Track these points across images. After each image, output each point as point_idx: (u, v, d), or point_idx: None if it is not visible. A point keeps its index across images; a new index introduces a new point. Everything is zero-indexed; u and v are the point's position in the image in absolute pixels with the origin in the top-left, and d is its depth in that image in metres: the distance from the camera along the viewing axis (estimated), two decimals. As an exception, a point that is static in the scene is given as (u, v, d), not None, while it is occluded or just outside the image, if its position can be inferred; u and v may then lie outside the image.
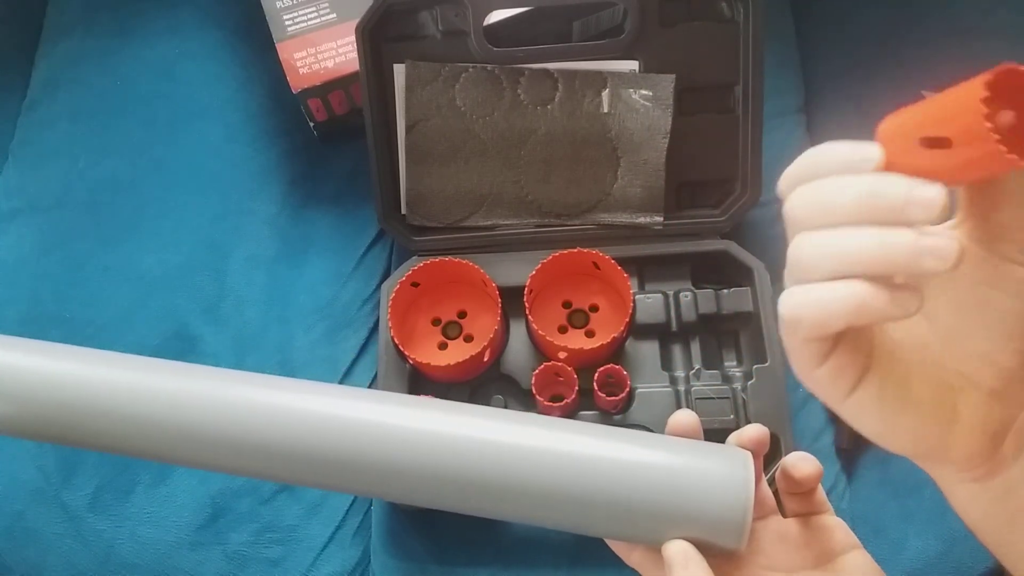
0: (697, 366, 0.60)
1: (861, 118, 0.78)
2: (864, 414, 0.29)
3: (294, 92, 0.65)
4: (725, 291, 0.60)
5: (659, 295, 0.61)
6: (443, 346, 0.61)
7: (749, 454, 0.37)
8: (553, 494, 0.37)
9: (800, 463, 0.37)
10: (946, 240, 0.25)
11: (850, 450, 0.61)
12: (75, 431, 0.41)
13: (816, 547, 0.38)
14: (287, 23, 0.66)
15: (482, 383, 0.61)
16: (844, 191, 0.26)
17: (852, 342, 0.29)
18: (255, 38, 0.72)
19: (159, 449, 0.41)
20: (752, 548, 0.37)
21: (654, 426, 0.57)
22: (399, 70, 0.61)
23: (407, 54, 0.61)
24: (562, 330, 0.61)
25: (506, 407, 0.60)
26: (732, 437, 0.38)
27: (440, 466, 0.37)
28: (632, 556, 0.38)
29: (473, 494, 0.38)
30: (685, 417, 0.38)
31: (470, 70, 0.61)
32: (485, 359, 0.59)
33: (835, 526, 0.38)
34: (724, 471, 0.36)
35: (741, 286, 0.60)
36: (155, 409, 0.40)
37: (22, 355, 0.42)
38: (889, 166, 0.26)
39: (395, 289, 0.59)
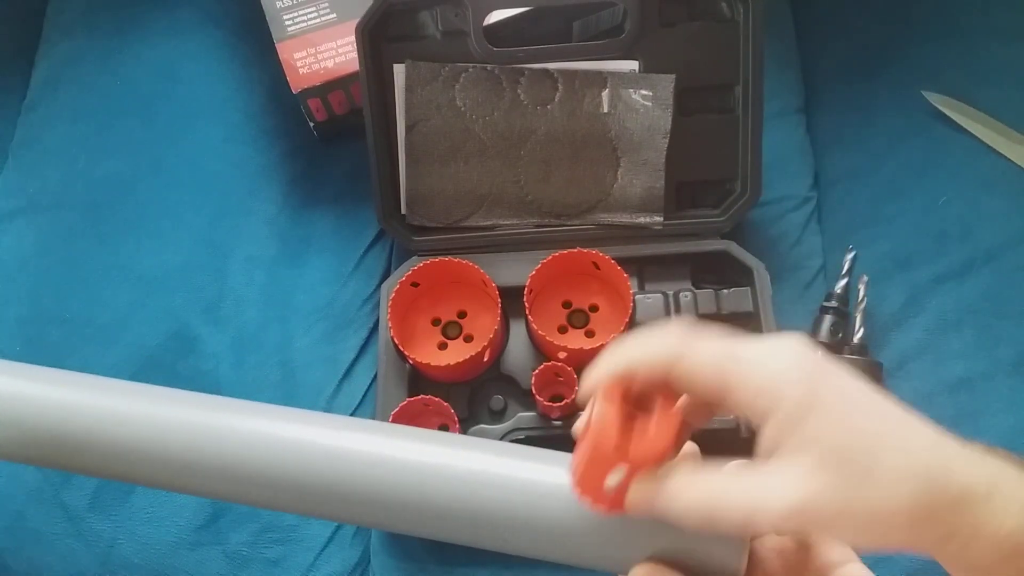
0: (697, 366, 0.60)
1: (861, 118, 0.78)
2: None
3: (294, 92, 0.65)
4: (725, 291, 0.60)
5: (659, 295, 0.61)
6: (443, 346, 0.61)
7: None
8: (546, 527, 0.37)
9: None
10: None
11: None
12: (57, 457, 0.41)
13: (815, 561, 0.38)
14: (287, 23, 0.66)
15: (482, 383, 0.61)
16: None
17: None
18: (255, 38, 0.72)
19: (136, 475, 0.41)
20: (751, 563, 0.37)
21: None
22: (399, 70, 0.61)
23: (407, 54, 0.61)
24: (562, 330, 0.61)
25: (506, 407, 0.60)
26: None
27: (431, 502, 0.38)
28: None
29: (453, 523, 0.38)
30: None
31: (470, 70, 0.61)
32: (485, 359, 0.59)
33: (832, 539, 0.38)
34: None
35: (741, 286, 0.60)
36: (136, 436, 0.40)
37: (7, 380, 0.42)
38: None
39: (395, 289, 0.59)
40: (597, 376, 0.34)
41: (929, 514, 0.29)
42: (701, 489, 0.31)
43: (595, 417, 0.32)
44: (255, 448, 0.39)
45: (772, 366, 0.31)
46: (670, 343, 0.33)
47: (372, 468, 0.38)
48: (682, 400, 0.34)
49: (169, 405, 0.41)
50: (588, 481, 0.34)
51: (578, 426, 0.35)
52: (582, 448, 0.34)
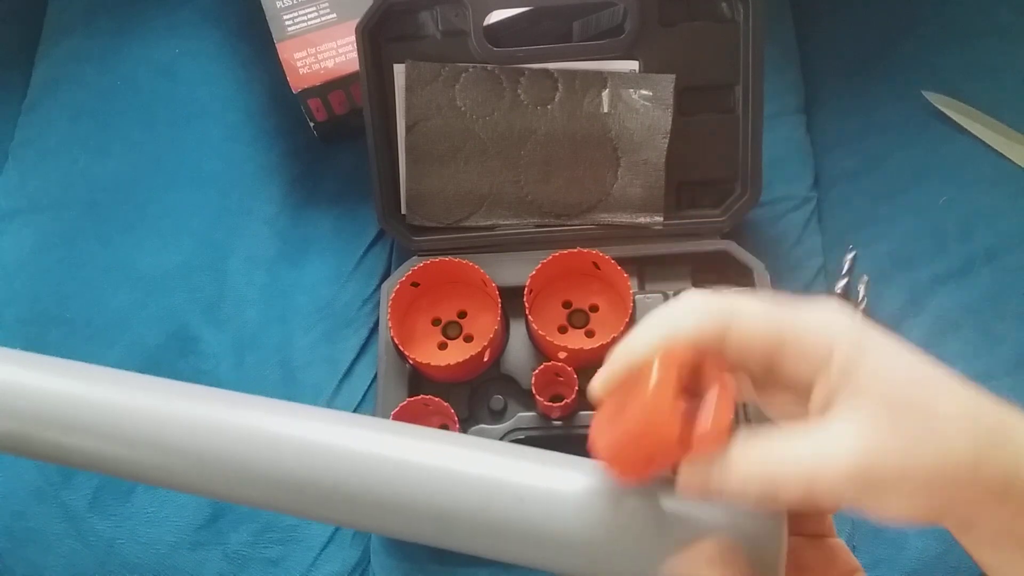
0: (697, 366, 0.60)
1: (861, 118, 0.78)
2: None
3: (294, 92, 0.65)
4: (725, 291, 0.60)
5: (659, 295, 0.61)
6: (443, 346, 0.61)
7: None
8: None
9: None
10: None
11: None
12: (55, 450, 0.41)
13: (822, 569, 0.37)
14: (287, 23, 0.66)
15: (482, 383, 0.61)
16: None
17: None
18: (255, 38, 0.72)
19: (132, 471, 0.40)
20: None
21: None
22: (399, 70, 0.61)
23: (407, 54, 0.61)
24: (562, 330, 0.61)
25: (506, 407, 0.60)
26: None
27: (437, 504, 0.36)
28: None
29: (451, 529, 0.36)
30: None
31: (470, 70, 0.61)
32: (485, 359, 0.59)
33: (839, 547, 0.38)
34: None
35: (741, 286, 0.60)
36: (129, 429, 0.39)
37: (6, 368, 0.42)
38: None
39: (395, 289, 0.59)
40: (642, 342, 0.31)
41: (990, 462, 0.28)
42: (756, 461, 0.29)
43: (651, 395, 0.29)
44: (259, 446, 0.38)
45: (822, 318, 0.30)
46: (722, 305, 0.31)
47: (384, 471, 0.36)
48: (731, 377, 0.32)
49: (167, 397, 0.41)
50: (627, 459, 0.31)
51: (595, 387, 0.33)
52: (626, 424, 0.30)
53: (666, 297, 0.60)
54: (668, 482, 0.33)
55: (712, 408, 0.30)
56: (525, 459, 0.36)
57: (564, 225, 0.63)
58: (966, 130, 0.65)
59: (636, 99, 0.61)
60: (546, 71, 0.61)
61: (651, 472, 0.32)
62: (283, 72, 0.65)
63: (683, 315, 0.31)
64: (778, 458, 0.29)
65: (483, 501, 0.35)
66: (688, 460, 0.30)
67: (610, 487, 0.34)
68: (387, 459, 0.36)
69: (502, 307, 0.59)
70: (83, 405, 0.40)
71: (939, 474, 0.28)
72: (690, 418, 0.30)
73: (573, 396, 0.56)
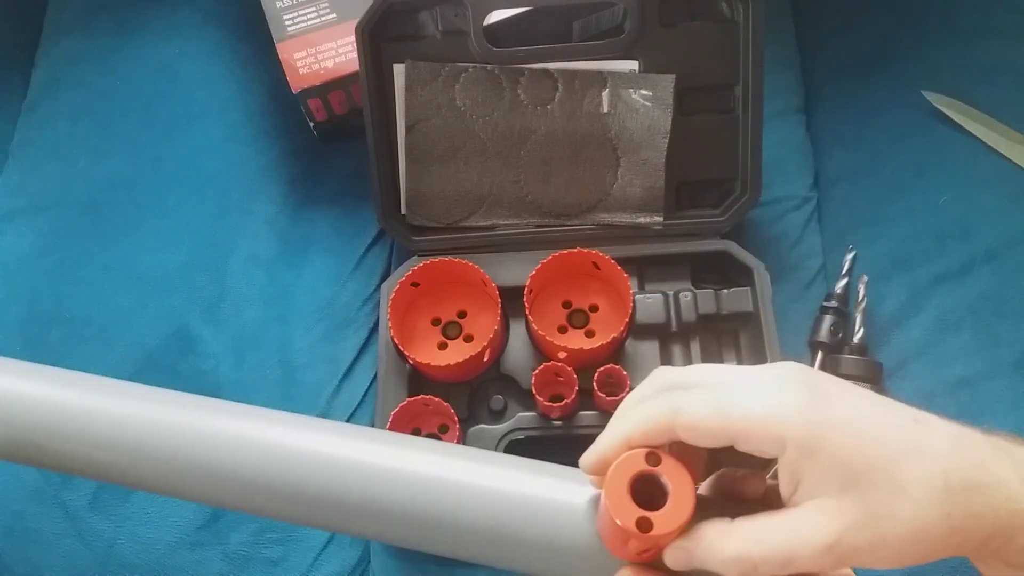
0: (697, 366, 0.60)
1: (861, 118, 0.78)
2: None
3: (294, 92, 0.65)
4: (725, 291, 0.60)
5: (659, 295, 0.61)
6: (443, 346, 0.61)
7: None
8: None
9: None
10: None
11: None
12: (53, 458, 0.41)
13: None
14: (287, 23, 0.66)
15: (482, 383, 0.61)
16: None
17: None
18: (255, 38, 0.72)
19: (131, 479, 0.41)
20: None
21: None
22: (399, 70, 0.61)
23: (407, 54, 0.61)
24: (562, 330, 0.61)
25: (506, 407, 0.60)
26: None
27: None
28: None
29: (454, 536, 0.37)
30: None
31: (470, 70, 0.61)
32: (485, 359, 0.59)
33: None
34: None
35: (741, 286, 0.60)
36: (132, 438, 0.40)
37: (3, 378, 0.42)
38: None
39: (395, 289, 0.59)
40: (599, 453, 0.33)
41: (967, 517, 0.28)
42: (738, 542, 0.31)
43: (611, 505, 0.32)
44: (262, 456, 0.39)
45: (767, 409, 0.30)
46: (661, 410, 0.32)
47: (396, 483, 0.37)
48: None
49: (162, 407, 0.41)
50: (618, 547, 0.34)
51: (588, 460, 0.34)
52: (604, 523, 0.34)
53: (666, 297, 0.60)
54: None
55: (670, 498, 0.32)
56: (536, 473, 0.38)
57: (564, 225, 0.63)
58: (966, 130, 0.65)
59: (636, 99, 0.61)
60: (546, 71, 0.61)
61: (635, 552, 0.34)
62: (283, 72, 0.65)
63: (632, 426, 0.33)
64: (755, 541, 0.31)
65: (499, 515, 0.36)
66: (670, 545, 0.33)
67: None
68: (416, 474, 0.38)
69: (502, 307, 0.59)
70: (80, 415, 0.41)
71: (914, 540, 0.29)
72: (658, 504, 0.32)
73: (573, 396, 0.56)
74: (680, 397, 0.32)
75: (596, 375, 0.56)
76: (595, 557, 0.35)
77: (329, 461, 0.38)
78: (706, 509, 0.33)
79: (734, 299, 0.60)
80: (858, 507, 0.29)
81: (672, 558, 0.33)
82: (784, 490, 0.31)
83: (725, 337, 0.61)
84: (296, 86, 0.65)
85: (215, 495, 0.40)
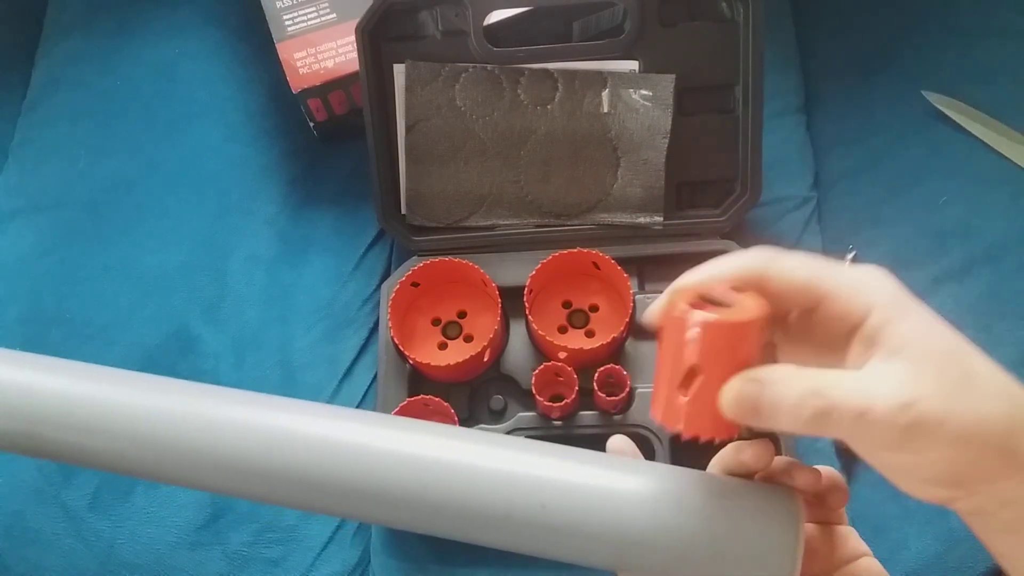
0: (697, 366, 0.60)
1: (861, 118, 0.78)
2: None
3: (294, 92, 0.65)
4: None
5: (659, 295, 0.60)
6: (443, 346, 0.61)
7: (797, 496, 0.35)
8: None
9: (838, 493, 0.38)
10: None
11: (850, 451, 0.61)
12: (51, 446, 0.41)
13: (833, 554, 0.38)
14: (287, 23, 0.66)
15: (482, 383, 0.61)
16: None
17: None
18: (255, 38, 0.72)
19: (131, 466, 0.40)
20: None
21: (653, 426, 0.57)
22: (399, 70, 0.61)
23: (407, 54, 0.61)
24: (562, 330, 0.61)
25: (506, 407, 0.60)
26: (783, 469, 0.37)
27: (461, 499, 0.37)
28: None
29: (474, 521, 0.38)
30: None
31: (470, 70, 0.61)
32: (485, 359, 0.59)
33: (849, 534, 0.38)
34: (771, 516, 0.34)
35: (741, 286, 0.60)
36: (130, 426, 0.40)
37: (11, 369, 0.42)
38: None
39: (395, 289, 0.59)
40: (686, 283, 0.34)
41: (1020, 434, 0.29)
42: (812, 381, 0.30)
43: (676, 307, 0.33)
44: (280, 444, 0.39)
45: (859, 275, 0.32)
46: (760, 254, 0.33)
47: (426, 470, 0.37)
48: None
49: (170, 395, 0.41)
50: (674, 396, 0.32)
51: (653, 313, 0.35)
52: (665, 370, 0.33)
53: (666, 297, 0.60)
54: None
55: (746, 299, 0.32)
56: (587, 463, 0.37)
57: (564, 225, 0.63)
58: (966, 130, 0.65)
59: (636, 99, 0.61)
60: (546, 71, 0.61)
61: (693, 399, 0.32)
62: (283, 72, 0.65)
63: (725, 259, 0.34)
64: (833, 383, 0.30)
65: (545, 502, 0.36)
66: (731, 381, 0.31)
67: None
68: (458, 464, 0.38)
69: (502, 307, 0.59)
70: (83, 403, 0.41)
71: (975, 430, 0.29)
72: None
73: (573, 396, 0.56)
74: (777, 251, 0.33)
75: (596, 375, 0.56)
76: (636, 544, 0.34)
77: (370, 451, 0.38)
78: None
79: (734, 299, 0.60)
80: (934, 379, 0.29)
81: (739, 393, 0.31)
82: (853, 362, 0.31)
83: (725, 337, 0.61)
84: (296, 86, 0.65)
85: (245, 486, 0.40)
